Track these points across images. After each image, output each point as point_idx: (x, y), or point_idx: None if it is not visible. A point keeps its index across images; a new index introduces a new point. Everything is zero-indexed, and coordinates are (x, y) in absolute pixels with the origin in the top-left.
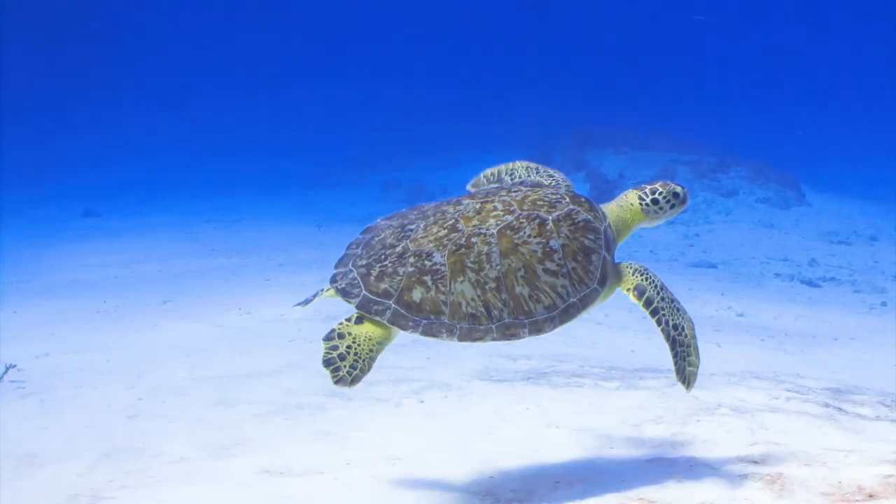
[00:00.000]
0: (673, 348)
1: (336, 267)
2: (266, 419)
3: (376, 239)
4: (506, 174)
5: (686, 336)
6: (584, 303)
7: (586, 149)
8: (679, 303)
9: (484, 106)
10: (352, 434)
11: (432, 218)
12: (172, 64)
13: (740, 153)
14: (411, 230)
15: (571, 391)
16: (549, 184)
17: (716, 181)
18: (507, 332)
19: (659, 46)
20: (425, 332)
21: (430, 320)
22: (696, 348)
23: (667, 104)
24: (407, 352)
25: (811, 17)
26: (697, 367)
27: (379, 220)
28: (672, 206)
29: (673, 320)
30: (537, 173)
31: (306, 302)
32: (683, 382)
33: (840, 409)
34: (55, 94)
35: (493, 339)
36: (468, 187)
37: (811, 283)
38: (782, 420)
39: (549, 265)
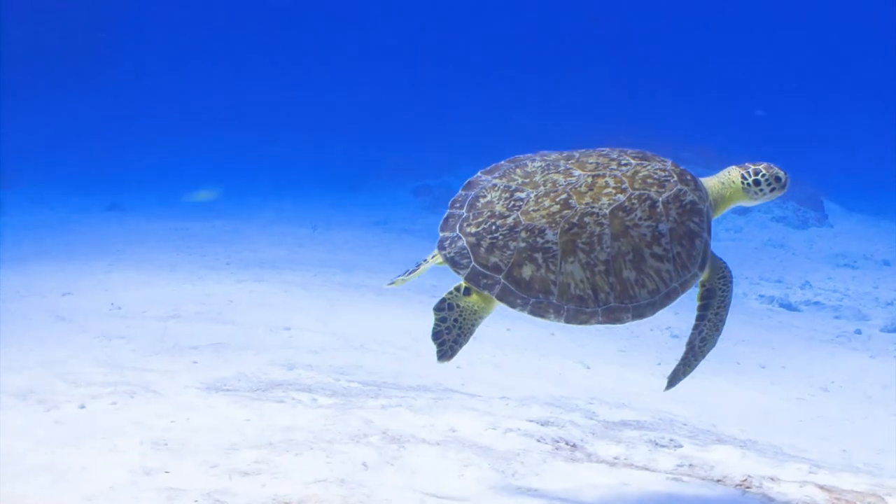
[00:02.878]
0: (686, 354)
1: (442, 230)
2: None
3: (482, 201)
4: None
5: (702, 352)
6: (684, 287)
7: None
8: (723, 324)
9: (521, 107)
10: None
11: (542, 188)
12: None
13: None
14: (521, 199)
15: (264, 405)
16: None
17: None
18: (612, 316)
19: (696, 57)
20: (533, 312)
21: (538, 299)
22: (698, 364)
23: (705, 117)
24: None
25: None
26: (685, 377)
27: (480, 174)
28: (773, 190)
29: (706, 334)
30: None
31: (407, 274)
32: (669, 382)
33: (574, 445)
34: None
35: (599, 322)
36: None
37: (790, 307)
38: (419, 454)
39: (656, 249)
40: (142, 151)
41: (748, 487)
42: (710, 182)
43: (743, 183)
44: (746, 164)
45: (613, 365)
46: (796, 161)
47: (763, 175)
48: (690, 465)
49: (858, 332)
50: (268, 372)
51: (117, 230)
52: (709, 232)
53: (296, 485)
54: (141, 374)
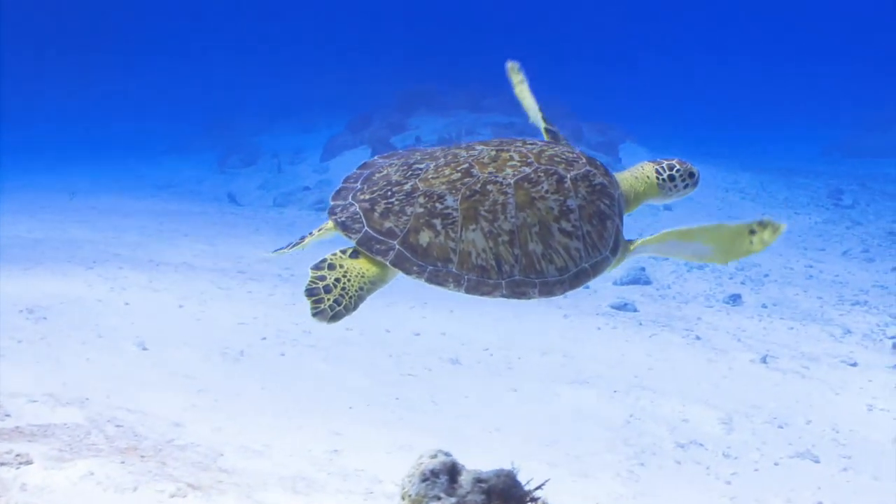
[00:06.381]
0: None
1: (333, 199)
2: None
3: (378, 175)
4: None
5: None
6: (595, 270)
7: (415, 111)
8: None
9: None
10: None
11: (443, 160)
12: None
13: (580, 113)
14: (420, 169)
15: None
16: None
17: None
18: (517, 290)
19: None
20: (430, 280)
21: (436, 267)
22: None
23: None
24: None
25: None
26: None
27: (377, 158)
28: (686, 186)
29: None
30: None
31: (291, 247)
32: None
33: None
34: None
35: (503, 296)
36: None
37: None
38: None
39: (564, 225)
40: None
41: None
42: (622, 176)
43: (658, 178)
44: (658, 159)
45: (183, 347)
46: (607, 105)
47: (677, 170)
48: None
49: (587, 286)
50: None
51: None
52: (620, 218)
53: None
54: None
